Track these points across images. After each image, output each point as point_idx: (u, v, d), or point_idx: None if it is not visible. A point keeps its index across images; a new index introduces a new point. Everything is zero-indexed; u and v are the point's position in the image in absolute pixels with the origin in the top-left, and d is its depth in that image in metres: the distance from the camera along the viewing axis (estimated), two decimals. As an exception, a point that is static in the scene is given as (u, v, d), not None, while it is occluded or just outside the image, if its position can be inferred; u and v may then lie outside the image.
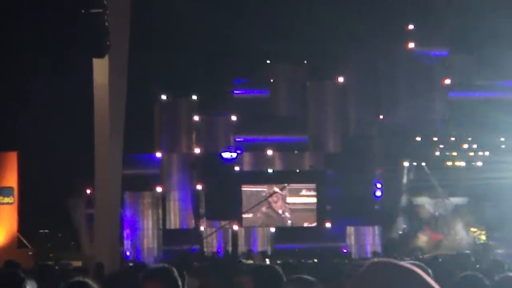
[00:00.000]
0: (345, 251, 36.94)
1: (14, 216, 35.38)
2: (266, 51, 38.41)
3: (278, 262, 29.30)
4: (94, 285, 4.75)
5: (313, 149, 39.43)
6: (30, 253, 33.35)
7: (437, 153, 39.51)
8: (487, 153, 38.46)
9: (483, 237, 36.25)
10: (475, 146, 38.98)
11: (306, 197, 39.10)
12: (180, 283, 5.62)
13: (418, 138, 39.58)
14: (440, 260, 19.51)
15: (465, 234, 36.29)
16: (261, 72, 40.33)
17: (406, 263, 2.21)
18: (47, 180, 35.60)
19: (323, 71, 40.02)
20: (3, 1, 16.83)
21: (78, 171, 32.03)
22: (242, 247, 37.59)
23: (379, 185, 38.97)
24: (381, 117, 39.48)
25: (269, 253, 36.87)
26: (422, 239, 36.26)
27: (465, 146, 39.07)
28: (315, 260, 29.79)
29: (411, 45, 39.91)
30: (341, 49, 39.25)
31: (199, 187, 38.51)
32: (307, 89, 40.10)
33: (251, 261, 30.78)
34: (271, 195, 38.74)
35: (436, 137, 39.63)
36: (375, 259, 2.27)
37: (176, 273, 5.65)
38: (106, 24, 16.51)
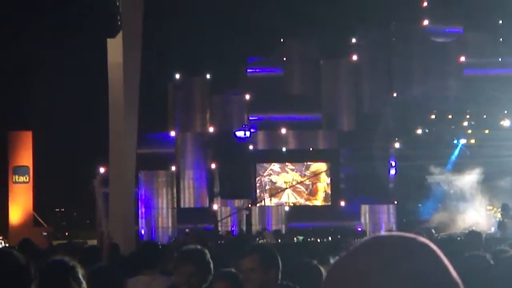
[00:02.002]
0: (359, 229, 36.92)
1: (29, 195, 35.59)
2: (280, 30, 38.28)
3: (295, 239, 29.40)
4: (72, 263, 4.70)
5: (327, 127, 39.36)
6: (45, 233, 33.50)
7: (452, 131, 39.34)
8: (502, 131, 38.27)
9: (499, 215, 36.12)
10: (490, 123, 38.78)
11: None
12: (212, 265, 5.64)
13: (433, 116, 39.43)
14: (458, 239, 19.44)
15: (481, 212, 36.15)
16: (275, 51, 40.23)
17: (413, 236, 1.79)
18: (62, 159, 35.77)
19: (337, 49, 39.86)
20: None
21: (93, 150, 32.10)
22: (256, 226, 37.66)
23: (393, 163, 38.88)
24: (395, 95, 39.38)
25: (283, 231, 36.93)
26: (437, 217, 36.17)
27: (480, 123, 38.88)
28: (330, 239, 29.81)
29: (426, 22, 39.69)
30: (355, 27, 39.12)
31: (213, 166, 38.56)
32: (321, 67, 39.97)
33: (263, 240, 30.94)
34: (293, 186, 39.00)
35: (450, 114, 39.46)
36: (371, 236, 1.80)
37: (208, 256, 5.66)
38: (117, 4, 16.46)
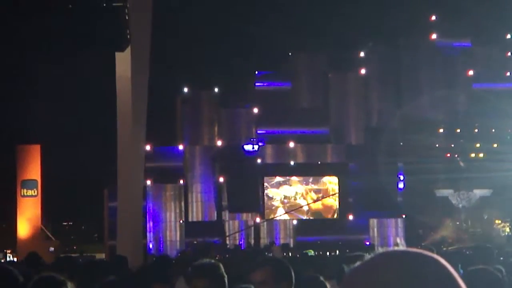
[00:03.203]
0: (368, 243, 36.83)
1: (37, 209, 35.59)
2: (288, 44, 38.32)
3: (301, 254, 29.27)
4: (61, 278, 4.65)
5: (335, 141, 39.33)
6: (52, 248, 33.47)
7: (461, 145, 39.26)
8: (511, 145, 38.19)
9: (507, 229, 36.03)
10: (499, 137, 38.71)
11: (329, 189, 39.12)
12: (226, 279, 5.61)
13: (441, 130, 39.37)
14: (467, 253, 19.36)
15: (489, 226, 36.07)
16: (283, 65, 40.26)
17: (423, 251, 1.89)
18: (70, 173, 35.79)
19: (345, 63, 39.88)
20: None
21: (101, 164, 32.14)
22: (264, 240, 37.59)
23: (401, 177, 38.81)
24: (403, 108, 39.34)
25: (292, 245, 36.85)
26: (446, 231, 36.07)
27: (489, 137, 38.80)
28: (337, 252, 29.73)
29: (434, 36, 39.70)
30: (363, 40, 39.14)
31: (221, 179, 38.53)
32: (329, 81, 39.98)
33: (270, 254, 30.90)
34: (301, 207, 38.73)
35: (459, 128, 39.40)
36: (382, 250, 1.92)
37: (222, 269, 5.63)
38: (126, 17, 16.50)
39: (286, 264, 5.39)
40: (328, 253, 29.52)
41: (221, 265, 5.68)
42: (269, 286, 5.23)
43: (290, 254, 31.42)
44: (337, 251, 31.01)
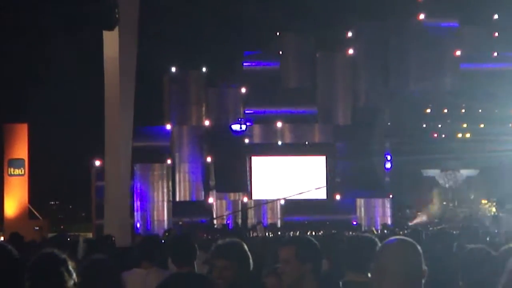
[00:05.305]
0: (355, 223, 36.96)
1: (25, 188, 35.48)
2: (276, 23, 38.27)
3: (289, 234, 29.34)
4: (62, 256, 4.65)
5: (322, 121, 39.37)
6: (36, 228, 33.39)
7: (448, 125, 39.37)
8: (497, 125, 38.33)
9: (494, 209, 36.22)
10: (485, 118, 38.83)
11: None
12: (251, 259, 5.53)
13: (428, 110, 39.46)
14: (454, 232, 19.50)
15: (476, 206, 36.24)
16: (271, 44, 40.23)
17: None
18: (57, 152, 35.73)
19: (333, 43, 39.88)
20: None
21: (88, 143, 32.11)
22: (251, 220, 37.67)
23: (389, 157, 38.91)
24: (391, 89, 39.39)
25: (279, 225, 36.95)
26: (432, 211, 36.23)
27: (476, 118, 38.92)
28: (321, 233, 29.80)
29: (422, 16, 39.71)
30: (351, 21, 39.13)
31: (208, 159, 38.56)
32: (317, 61, 39.98)
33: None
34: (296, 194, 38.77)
35: (446, 109, 39.50)
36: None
37: (245, 248, 5.55)
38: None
39: (312, 245, 5.24)
40: (314, 233, 29.58)
41: (243, 244, 5.58)
42: (291, 266, 5.14)
43: (271, 234, 31.43)
44: (321, 231, 31.04)
